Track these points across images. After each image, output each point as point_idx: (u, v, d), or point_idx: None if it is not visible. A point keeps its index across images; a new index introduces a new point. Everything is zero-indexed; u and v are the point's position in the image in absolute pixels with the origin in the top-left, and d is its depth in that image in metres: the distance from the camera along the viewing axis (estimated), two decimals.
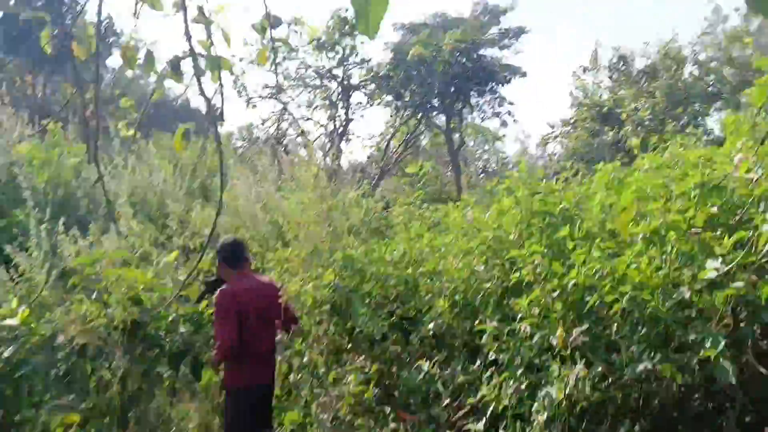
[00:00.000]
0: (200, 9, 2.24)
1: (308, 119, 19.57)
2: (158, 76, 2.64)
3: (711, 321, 2.18)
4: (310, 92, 18.94)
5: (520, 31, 18.52)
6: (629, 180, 2.43)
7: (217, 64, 2.42)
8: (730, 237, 2.27)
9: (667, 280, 2.14)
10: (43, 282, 4.57)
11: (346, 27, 16.90)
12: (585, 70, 14.76)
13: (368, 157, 17.72)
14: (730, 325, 2.15)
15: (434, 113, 17.20)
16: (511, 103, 18.52)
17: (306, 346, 4.27)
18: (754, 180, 2.17)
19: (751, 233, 2.37)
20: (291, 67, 17.94)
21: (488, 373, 2.75)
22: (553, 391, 2.20)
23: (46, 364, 4.12)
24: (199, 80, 2.28)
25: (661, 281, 2.11)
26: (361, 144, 20.84)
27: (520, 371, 2.47)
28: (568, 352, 2.29)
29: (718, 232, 2.43)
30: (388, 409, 3.40)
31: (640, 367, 2.07)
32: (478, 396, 2.69)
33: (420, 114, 16.68)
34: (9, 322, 4.05)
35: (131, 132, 3.23)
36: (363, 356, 3.80)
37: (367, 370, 3.63)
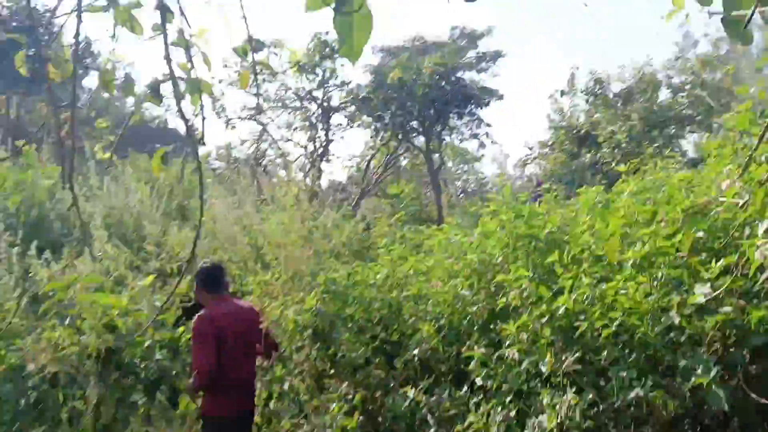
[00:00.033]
0: (180, 32, 2.19)
1: (288, 140, 19.50)
2: (137, 99, 2.59)
3: (700, 345, 2.16)
4: (290, 113, 18.91)
5: (497, 55, 18.82)
6: (616, 205, 2.42)
7: (197, 88, 2.37)
8: (716, 261, 2.27)
9: (657, 306, 2.12)
10: (14, 308, 4.41)
11: (327, 50, 16.96)
12: (562, 93, 14.99)
13: (348, 178, 17.70)
14: (718, 350, 2.13)
15: (414, 135, 17.30)
16: (488, 125, 18.76)
17: (287, 372, 4.17)
18: (740, 204, 2.17)
19: (737, 258, 2.38)
20: (271, 89, 17.94)
21: (476, 400, 2.69)
22: (544, 419, 2.15)
23: (15, 393, 3.96)
24: (179, 103, 2.23)
25: (650, 307, 2.08)
26: (341, 164, 20.79)
27: (509, 398, 2.42)
28: (559, 378, 2.25)
29: (703, 256, 2.43)
30: None
31: (632, 394, 2.04)
32: (466, 423, 2.62)
33: (400, 135, 16.75)
34: None
35: (107, 155, 3.15)
36: (346, 382, 3.71)
37: (350, 396, 3.55)
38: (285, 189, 7.58)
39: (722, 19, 2.16)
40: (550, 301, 2.57)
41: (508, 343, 2.51)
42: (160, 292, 5.01)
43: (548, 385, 2.36)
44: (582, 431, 2.13)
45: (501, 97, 17.83)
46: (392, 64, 15.14)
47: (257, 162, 17.76)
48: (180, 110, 2.29)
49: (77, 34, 2.37)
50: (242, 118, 18.55)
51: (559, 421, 2.10)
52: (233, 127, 18.77)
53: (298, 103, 18.87)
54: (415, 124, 16.59)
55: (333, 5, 1.86)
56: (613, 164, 12.25)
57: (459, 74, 17.09)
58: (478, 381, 2.75)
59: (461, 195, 25.40)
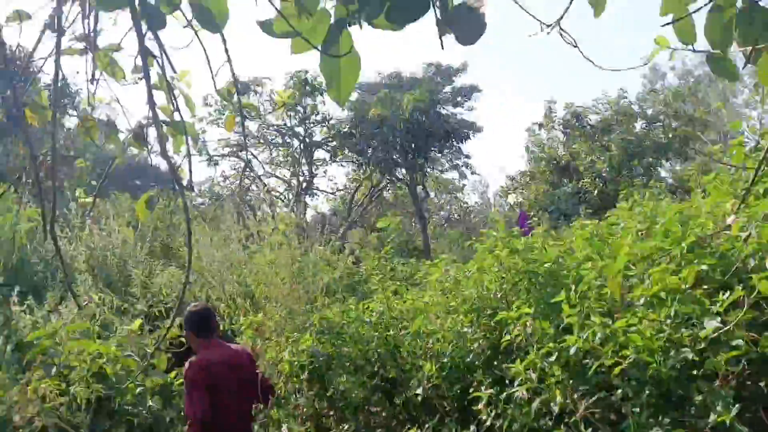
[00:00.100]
0: (161, 76, 2.16)
1: (271, 176, 19.49)
2: (120, 144, 2.55)
3: (714, 380, 2.14)
4: (272, 149, 18.96)
5: (472, 90, 19.21)
6: (619, 241, 2.43)
7: (181, 130, 2.34)
8: (722, 294, 2.28)
9: (668, 342, 2.11)
10: None
11: (307, 88, 17.14)
12: (540, 126, 15.27)
13: (334, 214, 17.68)
14: (733, 383, 2.12)
15: (396, 168, 17.43)
16: (467, 156, 19.02)
17: (284, 414, 4.06)
18: (744, 237, 2.19)
19: (739, 289, 2.39)
20: (252, 126, 18.00)
21: None
22: None
23: None
24: (163, 148, 2.19)
25: (662, 343, 2.07)
26: (325, 198, 20.79)
27: None
28: (572, 419, 2.21)
29: (705, 287, 2.44)
30: None
31: None
32: None
33: (382, 168, 16.86)
34: None
35: (89, 200, 3.09)
36: (347, 425, 3.62)
37: None
38: (272, 225, 7.52)
39: (707, 57, 2.21)
40: (553, 337, 2.55)
41: (517, 383, 2.46)
42: (148, 336, 4.88)
43: (561, 424, 2.33)
44: None
45: (479, 130, 18.13)
46: (373, 102, 15.33)
47: (241, 198, 17.69)
48: (165, 155, 2.24)
49: (56, 80, 2.33)
50: (224, 155, 18.54)
51: None
52: (216, 164, 18.73)
53: (279, 140, 18.94)
54: (397, 157, 16.74)
55: (320, 48, 1.87)
56: (595, 193, 12.47)
57: (438, 109, 17.36)
58: (486, 421, 2.70)
59: (445, 224, 25.53)
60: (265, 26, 1.75)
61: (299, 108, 17.69)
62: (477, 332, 3.20)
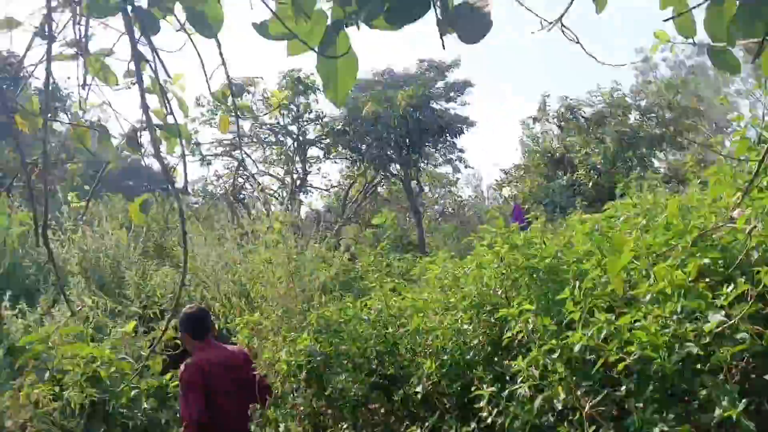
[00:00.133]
0: (153, 79, 2.11)
1: (264, 174, 19.41)
2: (113, 149, 2.49)
3: (718, 374, 2.11)
4: (265, 148, 18.87)
5: (465, 85, 19.17)
6: (623, 237, 2.38)
7: (175, 133, 2.29)
8: (724, 286, 2.24)
9: (673, 337, 2.07)
10: None
11: (300, 86, 17.04)
12: (535, 120, 15.25)
13: (328, 211, 17.63)
14: (738, 378, 2.08)
15: (390, 164, 17.37)
16: (461, 151, 18.99)
17: (281, 414, 4.01)
18: (748, 230, 2.15)
19: (742, 281, 2.35)
20: (245, 125, 17.90)
21: None
22: None
23: None
24: (158, 152, 2.13)
25: (667, 338, 2.03)
26: (319, 195, 20.75)
27: None
28: (576, 416, 2.18)
29: (707, 280, 2.40)
30: None
31: (656, 430, 1.97)
32: None
33: (377, 164, 16.80)
34: None
35: (82, 204, 3.03)
36: (345, 423, 3.57)
37: None
38: (267, 223, 7.46)
39: (708, 49, 2.17)
40: (555, 334, 2.51)
41: (519, 380, 2.42)
42: (142, 338, 4.83)
43: (564, 421, 2.28)
44: None
45: (472, 124, 18.10)
46: (366, 98, 15.26)
47: (235, 198, 17.60)
48: (159, 158, 2.19)
49: (47, 86, 2.27)
50: (217, 155, 18.43)
51: None
52: (209, 164, 18.63)
53: (273, 138, 18.85)
54: (391, 153, 16.68)
55: (317, 49, 1.82)
56: (590, 185, 12.46)
57: (431, 104, 17.31)
58: (487, 418, 2.65)
59: (439, 218, 25.51)
60: (261, 29, 1.70)
61: (292, 106, 17.61)
62: (477, 329, 3.15)
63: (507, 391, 2.50)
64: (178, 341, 3.97)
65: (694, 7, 2.04)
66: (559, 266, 3.07)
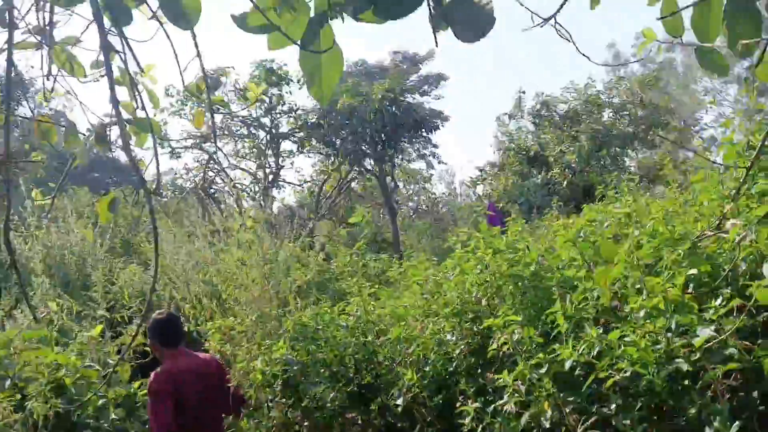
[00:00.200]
0: (123, 70, 1.98)
1: (236, 168, 19.08)
2: (81, 145, 2.35)
3: (707, 389, 2.07)
4: (236, 141, 18.55)
5: (439, 78, 19.06)
6: (610, 244, 2.32)
7: (145, 128, 2.16)
8: (712, 300, 2.20)
9: (663, 352, 2.02)
10: None
11: (273, 78, 16.77)
12: (510, 117, 15.26)
13: (302, 206, 17.43)
14: (726, 394, 2.04)
15: (365, 159, 17.23)
16: (435, 146, 18.92)
17: (255, 425, 3.89)
18: (738, 240, 2.11)
19: (727, 292, 2.32)
20: (216, 117, 17.51)
21: None
22: None
23: None
24: (127, 146, 2.00)
25: (659, 354, 1.98)
26: (293, 190, 20.51)
27: None
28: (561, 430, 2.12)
29: (690, 292, 2.36)
30: None
31: None
32: None
33: (352, 159, 16.63)
34: None
35: (47, 201, 2.86)
36: None
37: None
38: (239, 221, 7.28)
39: (696, 50, 2.11)
40: (541, 347, 2.45)
41: (506, 395, 2.35)
42: (109, 343, 4.65)
43: None
44: None
45: (447, 119, 18.04)
46: (341, 90, 15.07)
47: (205, 191, 17.26)
48: (129, 155, 2.06)
49: (9, 77, 2.12)
50: (187, 148, 18.04)
51: None
52: (178, 157, 18.22)
53: (245, 131, 18.53)
54: (366, 148, 16.54)
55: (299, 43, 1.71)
56: (564, 184, 12.53)
57: (406, 98, 17.20)
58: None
59: (413, 215, 25.46)
60: (240, 21, 1.58)
61: (265, 98, 17.32)
62: (459, 339, 3.07)
63: (492, 407, 2.42)
64: (148, 348, 3.81)
65: (686, 7, 1.99)
66: (543, 273, 3.02)
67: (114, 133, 2.24)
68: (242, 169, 19.18)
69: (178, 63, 1.96)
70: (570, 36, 1.88)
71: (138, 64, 2.01)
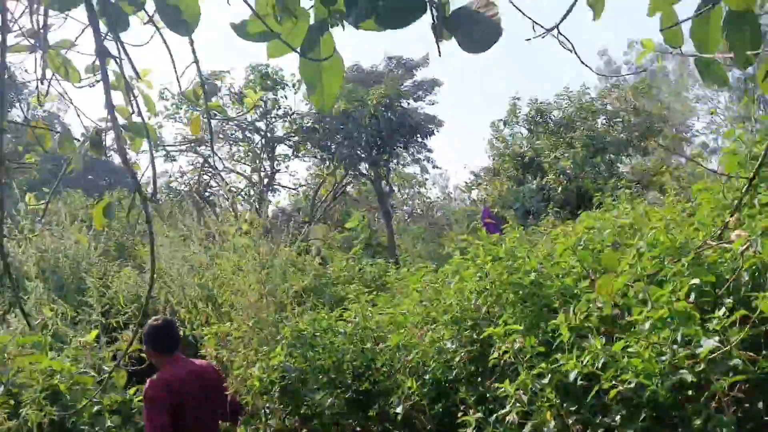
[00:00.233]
0: (118, 74, 1.96)
1: (231, 171, 19.01)
2: (75, 149, 2.32)
3: (711, 400, 2.06)
4: (231, 145, 18.49)
5: (434, 83, 19.10)
6: (612, 254, 2.32)
7: (141, 132, 2.14)
8: (717, 310, 2.20)
9: (668, 366, 2.02)
10: None
11: (268, 82, 16.74)
12: (505, 123, 15.29)
13: (298, 210, 17.38)
14: (731, 406, 2.03)
15: (361, 163, 17.22)
16: (430, 150, 18.93)
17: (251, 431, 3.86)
18: (741, 251, 2.11)
19: (729, 302, 2.32)
20: (212, 121, 17.37)
21: None
22: None
23: None
24: (123, 154, 1.98)
25: (665, 366, 1.97)
26: (287, 194, 20.47)
27: None
28: None
29: (691, 301, 2.36)
30: None
31: None
32: None
33: (347, 164, 16.62)
34: None
35: (41, 205, 2.83)
36: None
37: None
38: (235, 225, 7.24)
39: (696, 61, 2.11)
40: (543, 356, 2.44)
41: (508, 405, 2.34)
42: (105, 349, 4.61)
43: None
44: None
45: (441, 124, 18.07)
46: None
47: (200, 195, 17.19)
48: (127, 165, 2.04)
49: (1, 81, 2.10)
50: (182, 151, 17.98)
51: None
52: (173, 160, 18.15)
53: (240, 135, 18.49)
54: (361, 153, 16.53)
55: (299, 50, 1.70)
56: (559, 190, 12.56)
57: (402, 103, 17.22)
58: None
59: (408, 219, 25.46)
60: (239, 29, 1.56)
61: (260, 102, 17.28)
62: (459, 348, 3.06)
63: (494, 416, 2.41)
64: (144, 354, 3.78)
65: (685, 20, 1.99)
66: (543, 281, 3.01)
67: (109, 137, 2.22)
68: (237, 173, 19.12)
69: (175, 69, 1.94)
70: (573, 46, 1.88)
71: (134, 69, 1.99)
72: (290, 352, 3.72)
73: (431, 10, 1.50)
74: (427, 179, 23.63)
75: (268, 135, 18.09)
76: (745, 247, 2.11)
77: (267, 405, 3.61)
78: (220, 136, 18.20)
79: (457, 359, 3.02)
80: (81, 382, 3.91)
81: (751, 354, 2.07)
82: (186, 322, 5.97)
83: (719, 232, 2.32)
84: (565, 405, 2.20)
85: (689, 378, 2.02)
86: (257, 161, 18.27)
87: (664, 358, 1.99)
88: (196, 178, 18.39)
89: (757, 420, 2.03)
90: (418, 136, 16.35)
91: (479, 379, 2.89)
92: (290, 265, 6.52)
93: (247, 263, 5.67)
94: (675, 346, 1.98)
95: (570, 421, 2.14)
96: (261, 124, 17.97)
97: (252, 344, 4.17)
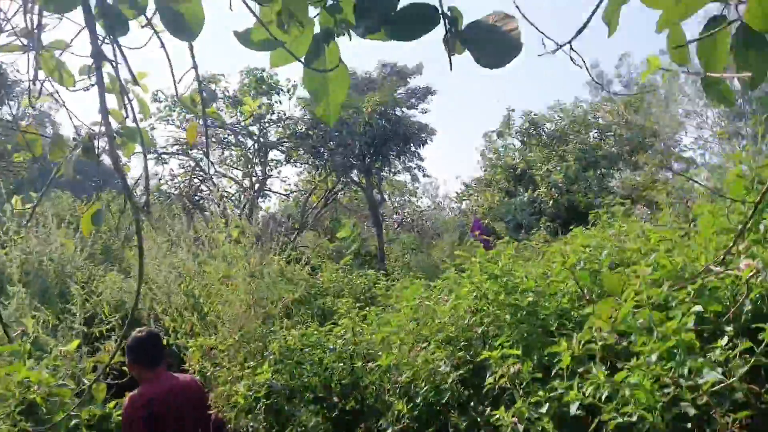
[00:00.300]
0: (113, 77, 1.87)
1: (222, 176, 18.86)
2: (66, 156, 2.23)
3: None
4: (224, 149, 18.33)
5: (427, 92, 19.06)
6: (615, 277, 2.24)
7: (134, 137, 2.05)
8: (717, 339, 2.13)
9: (670, 396, 1.94)
10: None
11: (263, 87, 16.63)
12: (499, 135, 15.28)
13: (288, 217, 17.22)
14: None
15: (353, 171, 17.11)
16: (421, 159, 18.87)
17: None
18: (746, 279, 2.04)
19: (730, 330, 2.26)
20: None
21: None
22: None
23: None
24: (116, 163, 1.89)
25: (668, 399, 1.89)
26: (278, 200, 20.33)
27: None
28: None
29: (693, 323, 2.29)
30: None
31: None
32: None
33: (340, 171, 16.51)
34: None
35: (27, 207, 2.73)
36: None
37: None
38: (225, 232, 7.12)
39: (702, 81, 2.05)
40: (541, 383, 2.35)
41: None
42: (86, 359, 4.46)
43: None
44: None
45: (434, 133, 18.02)
46: None
47: (190, 199, 17.01)
48: (120, 172, 1.94)
49: None
50: (174, 154, 17.81)
51: None
52: (165, 163, 17.98)
53: (233, 139, 18.35)
54: (353, 160, 16.44)
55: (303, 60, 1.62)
56: (550, 203, 12.53)
57: (396, 111, 17.15)
58: None
59: (398, 228, 25.34)
60: (242, 37, 1.48)
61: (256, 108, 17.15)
62: (452, 371, 2.96)
63: None
64: (125, 368, 3.65)
65: (693, 40, 1.93)
66: (540, 302, 2.93)
67: (101, 141, 2.14)
68: (230, 178, 18.97)
69: (173, 74, 1.87)
70: (584, 62, 1.81)
71: (132, 73, 1.90)
72: (277, 369, 3.61)
73: (444, 23, 1.43)
74: (417, 188, 23.57)
75: (261, 140, 17.96)
76: (752, 275, 2.04)
77: (251, 424, 3.50)
78: (213, 140, 18.03)
79: (450, 381, 2.93)
80: (59, 395, 3.77)
81: (754, 387, 2.00)
82: (170, 330, 5.84)
83: (722, 257, 2.24)
84: None
85: (692, 412, 1.94)
86: (249, 166, 18.12)
87: (668, 390, 1.91)
88: (187, 181, 18.21)
89: None
90: (412, 144, 16.28)
91: (471, 403, 2.80)
92: (280, 275, 6.41)
93: (236, 272, 5.55)
94: (681, 378, 1.90)
95: None
96: (254, 129, 17.84)
97: (237, 358, 4.06)
